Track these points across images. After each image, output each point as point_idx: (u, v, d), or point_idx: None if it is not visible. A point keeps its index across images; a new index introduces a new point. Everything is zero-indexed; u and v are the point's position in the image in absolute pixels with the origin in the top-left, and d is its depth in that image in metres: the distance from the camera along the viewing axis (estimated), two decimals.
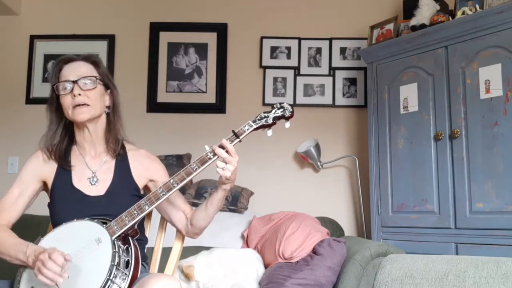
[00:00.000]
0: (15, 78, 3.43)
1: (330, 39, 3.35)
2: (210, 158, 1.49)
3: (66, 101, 1.57)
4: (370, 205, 2.74)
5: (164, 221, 1.78)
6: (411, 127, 2.56)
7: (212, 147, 1.49)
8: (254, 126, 1.53)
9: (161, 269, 1.73)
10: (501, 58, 2.22)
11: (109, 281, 1.35)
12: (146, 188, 1.72)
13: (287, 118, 1.58)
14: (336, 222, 2.87)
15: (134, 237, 1.51)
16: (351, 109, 3.29)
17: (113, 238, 1.42)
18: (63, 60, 1.63)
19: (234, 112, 3.32)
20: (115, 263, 1.37)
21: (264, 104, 3.31)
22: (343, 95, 3.30)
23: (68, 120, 1.63)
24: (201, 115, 3.34)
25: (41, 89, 3.40)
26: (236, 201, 2.86)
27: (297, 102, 3.29)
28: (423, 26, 2.54)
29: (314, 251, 2.28)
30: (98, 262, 1.38)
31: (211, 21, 3.40)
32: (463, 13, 2.41)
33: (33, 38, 3.45)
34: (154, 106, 3.37)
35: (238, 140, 1.51)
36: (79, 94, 1.56)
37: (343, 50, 3.34)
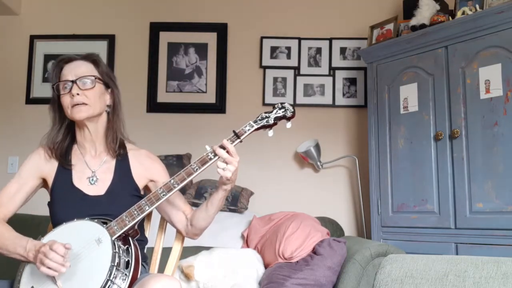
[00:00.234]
0: (15, 78, 3.43)
1: (330, 39, 3.35)
2: (210, 159, 1.49)
3: (66, 100, 1.58)
4: (370, 205, 2.74)
5: (164, 221, 1.78)
6: (411, 127, 2.56)
7: (213, 148, 1.49)
8: (255, 127, 1.53)
9: (161, 269, 1.73)
10: (501, 58, 2.22)
11: (109, 282, 1.35)
12: (146, 188, 1.72)
13: (289, 119, 1.57)
14: (336, 222, 2.87)
15: (135, 237, 1.51)
16: (351, 109, 3.29)
17: (113, 238, 1.42)
18: (64, 59, 1.64)
19: (234, 112, 3.32)
20: (115, 264, 1.37)
21: (264, 104, 3.31)
22: (343, 95, 3.30)
23: (70, 120, 1.64)
24: (201, 115, 3.34)
25: (41, 89, 3.40)
26: (236, 201, 2.86)
27: (297, 102, 3.29)
28: (423, 26, 2.54)
29: (314, 251, 2.28)
30: (98, 263, 1.38)
31: (211, 21, 3.40)
32: (463, 13, 2.41)
33: (33, 38, 3.45)
34: (154, 106, 3.37)
35: (239, 140, 1.50)
36: (78, 94, 1.56)
37: (343, 50, 3.34)
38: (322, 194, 3.20)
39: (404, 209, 2.55)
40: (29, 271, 1.46)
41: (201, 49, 3.40)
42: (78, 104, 1.56)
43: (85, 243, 1.42)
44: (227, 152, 1.48)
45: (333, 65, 3.33)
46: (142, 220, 1.65)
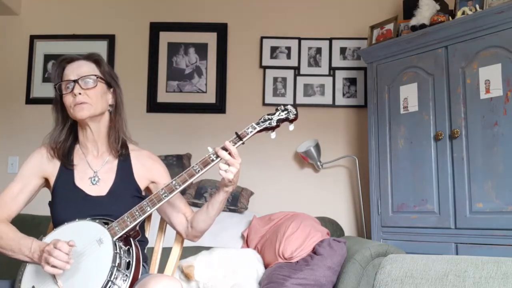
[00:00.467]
0: (15, 78, 3.43)
1: (330, 39, 3.35)
2: (212, 160, 1.49)
3: (68, 100, 1.58)
4: (370, 205, 2.74)
5: (164, 222, 1.78)
6: (411, 127, 2.56)
7: (215, 149, 1.49)
8: (258, 128, 1.52)
9: (161, 269, 1.73)
10: (501, 58, 2.22)
11: (110, 282, 1.35)
12: (147, 189, 1.72)
13: (291, 121, 1.56)
14: (336, 222, 2.87)
15: (136, 238, 1.52)
16: (351, 109, 3.29)
17: (114, 239, 1.42)
18: (66, 59, 1.64)
19: (234, 112, 3.32)
20: (116, 264, 1.37)
21: (264, 104, 3.31)
22: (343, 95, 3.30)
23: (73, 120, 1.64)
24: (201, 115, 3.34)
25: (41, 89, 3.40)
26: (236, 201, 2.86)
27: (297, 102, 3.29)
28: (423, 26, 2.54)
29: (314, 251, 2.28)
30: (99, 263, 1.38)
31: (211, 21, 3.40)
32: (463, 13, 2.41)
33: (33, 38, 3.45)
34: (154, 106, 3.37)
35: (241, 142, 1.50)
36: (80, 93, 1.56)
37: (343, 50, 3.34)
38: (322, 194, 3.21)
39: (404, 209, 2.55)
40: (30, 270, 1.47)
41: (201, 49, 3.40)
42: (80, 103, 1.56)
43: (87, 244, 1.42)
44: (229, 153, 1.47)
45: (333, 65, 3.33)
46: (143, 221, 1.65)
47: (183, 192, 2.72)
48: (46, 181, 1.66)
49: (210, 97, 3.35)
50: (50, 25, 3.47)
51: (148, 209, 1.47)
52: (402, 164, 2.59)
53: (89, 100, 1.58)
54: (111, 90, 1.67)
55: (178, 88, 3.38)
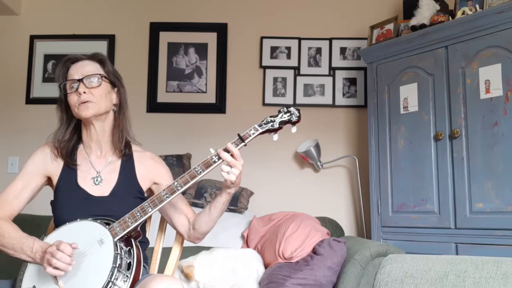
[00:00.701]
0: (15, 78, 3.43)
1: (330, 39, 3.35)
2: (214, 162, 1.49)
3: (73, 99, 1.59)
4: (370, 205, 2.74)
5: (164, 222, 1.78)
6: (411, 127, 2.56)
7: (217, 151, 1.49)
8: (260, 130, 1.52)
9: (161, 269, 1.73)
10: (501, 58, 2.23)
11: (110, 283, 1.35)
12: (150, 190, 1.72)
13: (294, 123, 1.56)
14: (336, 222, 2.87)
15: (137, 239, 1.52)
16: (351, 109, 3.29)
17: (115, 239, 1.42)
18: (70, 59, 1.65)
19: (234, 112, 3.32)
20: (117, 265, 1.37)
21: (264, 104, 3.31)
22: (343, 95, 3.30)
23: (77, 120, 1.65)
24: (201, 115, 3.34)
25: (41, 89, 3.40)
26: (236, 201, 2.86)
27: (297, 102, 3.29)
28: (423, 26, 2.54)
29: (314, 251, 2.28)
30: (99, 263, 1.38)
31: (211, 21, 3.40)
32: (463, 13, 2.41)
33: (33, 38, 3.45)
34: (154, 106, 3.37)
35: (243, 144, 1.50)
36: (84, 92, 1.57)
37: (343, 50, 3.34)
38: (322, 194, 3.21)
39: (404, 209, 2.55)
40: (30, 270, 1.47)
41: (201, 49, 3.40)
42: (85, 102, 1.57)
43: (88, 244, 1.43)
44: (232, 155, 1.47)
45: (333, 65, 3.33)
46: (144, 222, 1.65)
47: (183, 193, 2.73)
48: (49, 180, 1.66)
49: (210, 97, 3.35)
50: (50, 25, 3.47)
51: (150, 210, 1.47)
52: (402, 164, 2.59)
53: (94, 99, 1.58)
54: (115, 89, 1.68)
55: (178, 88, 3.38)
